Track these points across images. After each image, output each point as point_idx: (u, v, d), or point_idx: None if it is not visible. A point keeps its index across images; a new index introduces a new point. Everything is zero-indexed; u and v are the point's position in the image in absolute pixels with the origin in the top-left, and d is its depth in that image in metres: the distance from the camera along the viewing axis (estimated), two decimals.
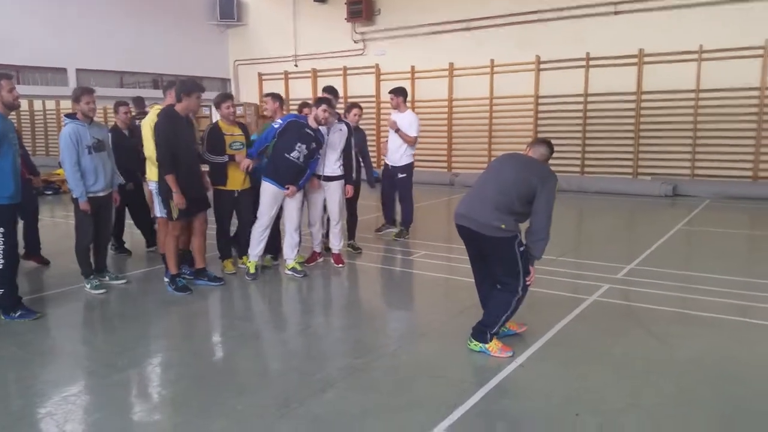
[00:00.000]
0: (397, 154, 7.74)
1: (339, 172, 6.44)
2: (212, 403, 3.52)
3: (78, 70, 14.43)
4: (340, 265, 6.52)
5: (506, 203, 4.00)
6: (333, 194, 6.43)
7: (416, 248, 7.43)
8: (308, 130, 5.93)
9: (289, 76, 16.76)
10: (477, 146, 14.01)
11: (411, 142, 7.65)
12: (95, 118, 5.71)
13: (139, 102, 9.12)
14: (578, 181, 12.22)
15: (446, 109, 14.39)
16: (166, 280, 5.94)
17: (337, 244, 6.57)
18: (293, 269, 6.16)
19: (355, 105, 7.12)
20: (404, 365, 4.06)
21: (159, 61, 15.82)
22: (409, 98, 14.50)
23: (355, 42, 15.44)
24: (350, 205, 7.07)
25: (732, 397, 3.49)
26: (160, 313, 5.31)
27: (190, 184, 5.53)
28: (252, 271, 6.10)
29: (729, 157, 11.49)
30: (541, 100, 13.18)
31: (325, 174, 6.36)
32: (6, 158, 4.73)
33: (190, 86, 5.53)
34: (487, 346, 4.13)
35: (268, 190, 5.98)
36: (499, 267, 4.12)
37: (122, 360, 4.21)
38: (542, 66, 13.03)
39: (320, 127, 6.07)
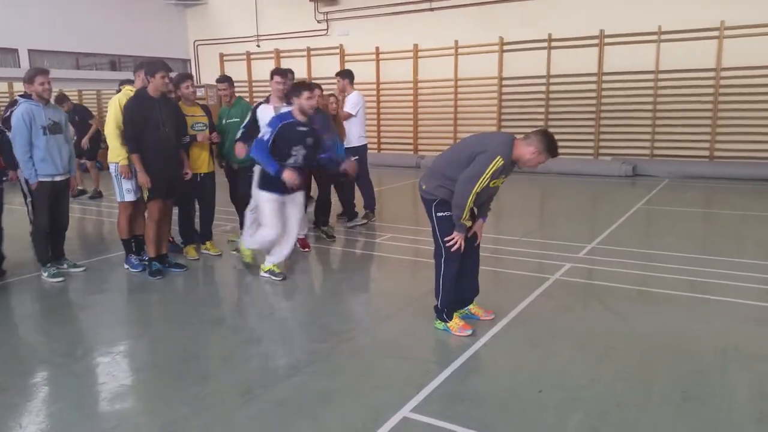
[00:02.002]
0: (348, 137, 7.56)
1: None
2: (173, 391, 3.47)
3: (30, 51, 13.88)
4: (306, 250, 6.45)
5: (442, 167, 4.09)
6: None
7: (382, 231, 7.42)
8: (300, 128, 5.32)
9: (252, 56, 16.46)
10: (442, 128, 14.02)
11: (344, 117, 7.46)
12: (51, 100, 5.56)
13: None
14: None
15: (411, 91, 14.33)
16: (126, 266, 5.83)
17: (302, 229, 6.42)
18: (270, 272, 5.59)
19: (316, 86, 6.91)
20: (369, 348, 4.07)
21: (116, 42, 15.33)
22: (373, 80, 14.56)
23: (318, 22, 15.23)
24: (323, 190, 6.94)
25: (688, 370, 3.59)
26: (121, 301, 5.20)
27: (161, 166, 5.44)
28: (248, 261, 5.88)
29: (687, 138, 11.74)
30: (504, 82, 13.23)
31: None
32: None
33: (154, 66, 5.42)
34: (448, 324, 4.19)
35: (268, 201, 5.35)
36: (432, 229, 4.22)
37: (81, 349, 4.12)
38: (505, 47, 13.06)
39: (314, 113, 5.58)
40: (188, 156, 5.92)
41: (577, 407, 3.19)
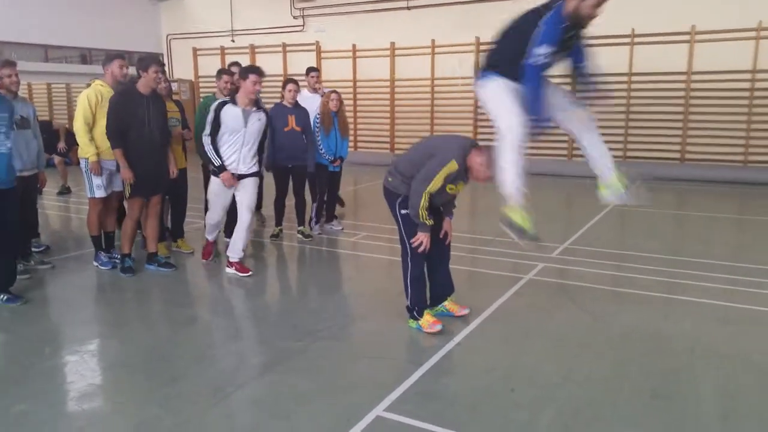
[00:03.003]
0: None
1: (255, 168, 5.64)
2: (144, 391, 3.42)
3: None
4: (244, 274, 5.53)
5: (403, 165, 4.15)
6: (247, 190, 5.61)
7: (357, 230, 7.40)
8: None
9: (226, 51, 16.26)
10: (419, 127, 14.03)
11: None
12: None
13: None
14: None
15: (388, 90, 14.33)
16: (95, 263, 5.73)
17: (238, 250, 5.56)
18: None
19: (291, 80, 6.75)
20: (343, 347, 4.05)
21: (87, 35, 15.01)
22: (350, 78, 14.51)
23: (294, 18, 15.12)
24: (298, 189, 6.83)
25: (658, 369, 3.65)
26: (90, 299, 5.11)
27: (143, 163, 5.34)
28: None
29: (659, 140, 11.94)
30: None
31: (240, 172, 5.49)
32: None
33: (146, 61, 5.32)
34: (420, 322, 4.21)
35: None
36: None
37: (49, 347, 4.03)
38: (482, 47, 13.12)
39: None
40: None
41: (549, 405, 3.22)
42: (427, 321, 4.20)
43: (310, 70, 7.73)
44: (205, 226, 5.97)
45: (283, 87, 6.67)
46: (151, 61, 5.32)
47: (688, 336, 4.15)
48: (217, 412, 3.16)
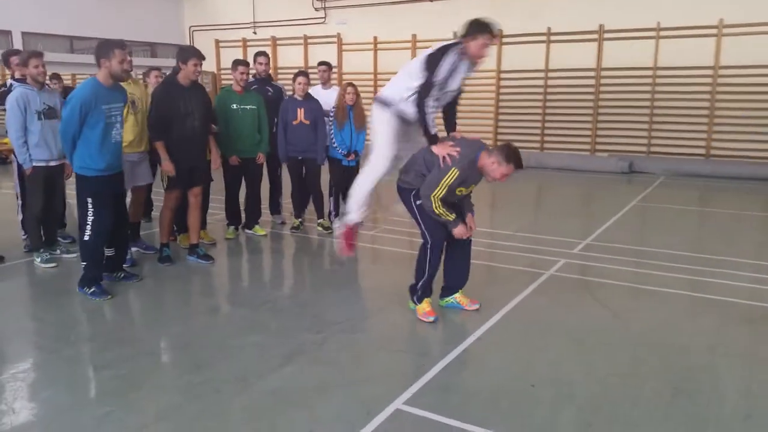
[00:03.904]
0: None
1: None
2: (168, 379, 3.47)
3: (24, 33, 13.73)
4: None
5: (417, 164, 4.19)
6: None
7: (377, 223, 7.41)
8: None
9: (248, 43, 16.34)
10: (439, 120, 13.96)
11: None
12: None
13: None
14: (537, 157, 12.33)
15: None
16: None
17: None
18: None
19: (301, 73, 6.73)
20: (363, 339, 4.07)
21: (112, 26, 15.12)
22: (371, 70, 14.50)
23: (316, 10, 15.13)
24: (312, 182, 6.80)
25: (679, 367, 3.62)
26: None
27: (184, 157, 5.40)
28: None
29: (683, 135, 11.76)
30: (503, 75, 13.21)
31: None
32: (94, 129, 4.58)
33: (186, 53, 5.38)
34: (417, 306, 4.31)
35: None
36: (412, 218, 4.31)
37: (73, 335, 4.10)
38: (504, 40, 13.02)
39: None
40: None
41: (570, 402, 3.21)
42: (423, 309, 4.30)
43: (320, 64, 7.46)
44: (343, 200, 6.08)
45: (294, 80, 6.67)
46: (190, 53, 5.36)
47: (711, 334, 4.10)
48: (239, 402, 3.20)
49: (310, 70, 7.30)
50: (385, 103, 4.40)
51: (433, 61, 4.13)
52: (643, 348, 3.89)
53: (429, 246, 4.23)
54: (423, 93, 4.15)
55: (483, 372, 3.62)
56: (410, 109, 4.27)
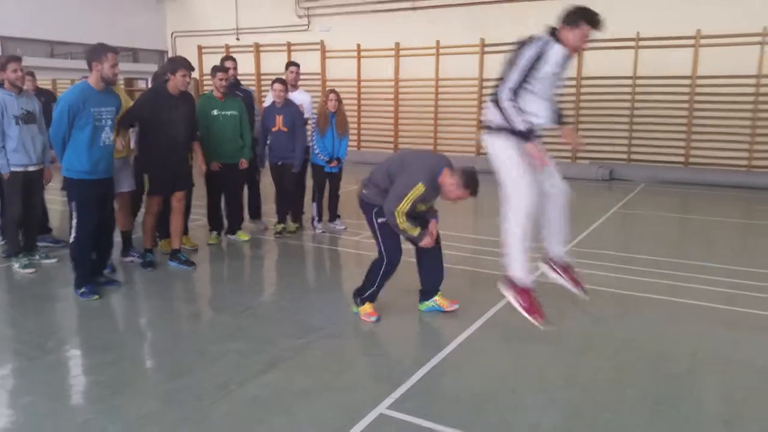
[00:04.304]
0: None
1: None
2: (149, 385, 3.44)
3: (3, 38, 13.57)
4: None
5: (379, 178, 4.23)
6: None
7: (360, 229, 7.40)
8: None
9: (231, 50, 16.28)
10: (423, 127, 14.03)
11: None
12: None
13: None
14: None
15: (392, 90, 14.32)
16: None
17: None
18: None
19: (277, 80, 6.73)
20: (346, 345, 4.07)
21: (92, 31, 14.97)
22: (354, 77, 14.52)
23: (299, 17, 15.13)
24: (282, 186, 6.82)
25: (661, 374, 3.65)
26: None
27: (165, 161, 5.38)
28: None
29: (663, 143, 11.92)
30: (485, 83, 13.29)
31: None
32: (82, 131, 4.57)
33: (175, 64, 5.39)
34: (359, 308, 4.37)
35: None
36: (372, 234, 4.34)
37: (53, 341, 4.04)
38: (487, 49, 13.13)
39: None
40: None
41: (552, 408, 3.23)
42: (365, 310, 4.37)
43: (288, 65, 7.38)
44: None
45: (271, 86, 6.74)
46: (179, 64, 5.36)
47: (692, 340, 4.14)
48: (220, 408, 3.17)
49: (302, 76, 7.31)
50: (492, 129, 3.80)
51: (513, 58, 3.80)
52: (626, 354, 3.92)
53: (384, 263, 4.27)
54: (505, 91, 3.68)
55: (466, 377, 3.62)
56: (514, 117, 3.67)
